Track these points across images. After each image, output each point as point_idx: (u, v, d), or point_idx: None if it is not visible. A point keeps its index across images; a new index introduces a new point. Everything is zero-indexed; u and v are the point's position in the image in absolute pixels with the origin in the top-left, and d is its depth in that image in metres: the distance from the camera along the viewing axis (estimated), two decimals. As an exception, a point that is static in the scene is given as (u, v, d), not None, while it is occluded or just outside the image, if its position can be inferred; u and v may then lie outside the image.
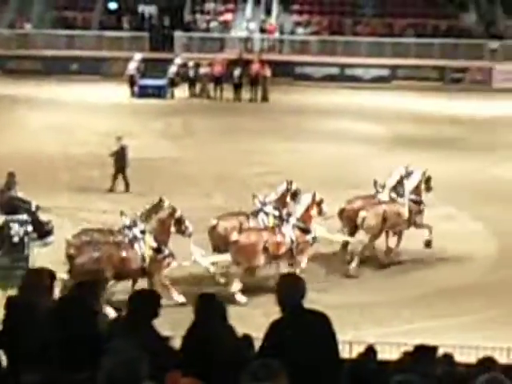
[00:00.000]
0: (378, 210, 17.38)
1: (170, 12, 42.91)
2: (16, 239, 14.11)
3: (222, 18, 42.82)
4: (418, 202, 18.15)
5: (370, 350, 9.16)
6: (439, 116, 32.46)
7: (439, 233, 18.12)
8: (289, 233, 15.83)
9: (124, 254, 14.65)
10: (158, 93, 35.65)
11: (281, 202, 16.84)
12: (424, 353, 7.28)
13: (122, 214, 15.33)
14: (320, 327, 6.68)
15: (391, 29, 41.97)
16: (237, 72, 35.63)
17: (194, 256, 15.48)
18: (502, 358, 10.39)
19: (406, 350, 8.32)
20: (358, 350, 9.77)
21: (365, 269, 16.89)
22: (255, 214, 16.76)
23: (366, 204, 17.53)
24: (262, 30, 41.95)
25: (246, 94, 35.82)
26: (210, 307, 6.99)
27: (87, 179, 22.34)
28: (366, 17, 43.10)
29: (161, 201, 15.34)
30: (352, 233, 17.41)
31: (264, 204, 16.79)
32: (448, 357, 8.19)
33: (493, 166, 24.80)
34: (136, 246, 14.81)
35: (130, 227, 15.01)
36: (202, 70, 36.08)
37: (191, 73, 36.31)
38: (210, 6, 43.65)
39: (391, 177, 18.18)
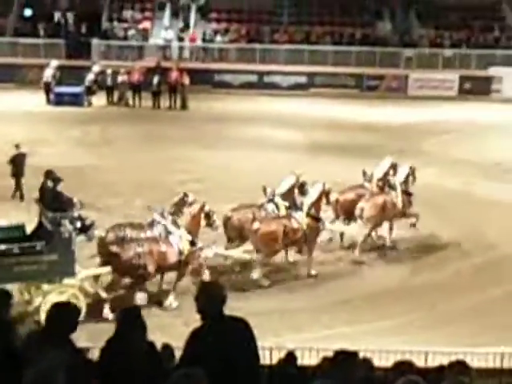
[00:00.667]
0: (377, 201, 18.38)
1: (87, 19, 42.42)
2: (66, 235, 14.57)
3: (140, 26, 42.56)
4: (409, 194, 19.15)
5: (290, 356, 9.21)
6: (356, 123, 32.88)
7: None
8: (302, 220, 16.82)
9: (164, 248, 15.30)
10: (75, 100, 35.15)
11: (289, 194, 17.61)
12: (344, 358, 7.32)
13: (149, 208, 16.18)
14: (240, 334, 6.72)
15: (309, 37, 42.35)
16: (155, 80, 35.46)
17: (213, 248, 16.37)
18: (420, 362, 10.56)
19: (326, 356, 8.36)
20: (278, 356, 9.81)
21: (285, 275, 16.97)
22: (265, 205, 17.60)
23: (357, 194, 18.48)
24: (181, 39, 41.87)
25: (164, 101, 35.66)
26: (130, 320, 6.92)
27: (2, 188, 21.87)
28: (284, 25, 43.42)
29: (185, 195, 16.10)
30: (347, 223, 18.40)
31: (273, 196, 17.58)
32: (367, 361, 8.26)
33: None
34: (172, 239, 15.45)
35: (158, 221, 15.70)
36: (120, 78, 35.81)
37: (109, 80, 35.99)
38: (127, 13, 43.36)
39: (379, 168, 19.20)
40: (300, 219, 16.87)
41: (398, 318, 14.86)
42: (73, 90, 35.56)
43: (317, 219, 17.07)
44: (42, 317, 12.19)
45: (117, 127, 30.83)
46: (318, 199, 17.17)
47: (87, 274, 15.07)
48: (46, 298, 14.02)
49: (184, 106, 35.60)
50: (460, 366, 7.30)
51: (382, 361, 10.25)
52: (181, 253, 15.39)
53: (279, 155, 26.50)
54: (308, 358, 10.56)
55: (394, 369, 7.64)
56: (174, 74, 35.97)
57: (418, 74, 40.74)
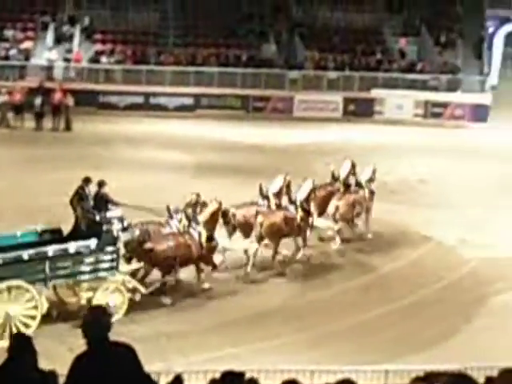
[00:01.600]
0: (348, 199, 20.80)
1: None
2: (115, 234, 15.79)
3: (22, 46, 41.69)
4: (373, 192, 21.60)
5: (178, 380, 9.07)
6: (243, 144, 33.06)
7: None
8: (298, 213, 18.94)
9: (189, 242, 16.77)
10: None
11: (279, 193, 19.41)
12: (231, 379, 7.26)
13: (168, 209, 17.34)
14: (126, 359, 6.61)
15: (194, 58, 42.40)
16: (38, 101, 34.77)
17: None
18: (307, 381, 10.61)
19: (214, 378, 8.28)
20: (165, 380, 9.66)
21: (173, 295, 16.77)
22: (259, 201, 19.30)
23: (328, 192, 20.49)
24: (66, 59, 41.24)
25: (47, 123, 34.99)
26: (20, 346, 6.71)
27: None
28: (170, 46, 43.37)
29: (198, 196, 17.56)
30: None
31: (267, 195, 19.33)
32: (253, 381, 8.21)
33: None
34: (193, 234, 16.94)
35: (177, 218, 17.25)
36: (1, 99, 34.96)
37: (-11, 101, 35.12)
38: (8, 33, 42.35)
39: (342, 169, 21.37)
40: (295, 212, 18.87)
41: (285, 337, 14.95)
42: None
43: (308, 212, 19.20)
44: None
45: (-2, 150, 30.03)
46: (308, 195, 19.28)
47: (127, 270, 16.15)
48: (95, 295, 15.18)
49: (68, 128, 35.00)
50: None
51: (269, 380, 10.24)
52: (202, 247, 16.89)
53: (165, 176, 26.39)
54: (195, 381, 10.45)
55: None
56: (57, 95, 35.36)
57: (303, 95, 41.32)
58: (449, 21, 47.14)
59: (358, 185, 21.34)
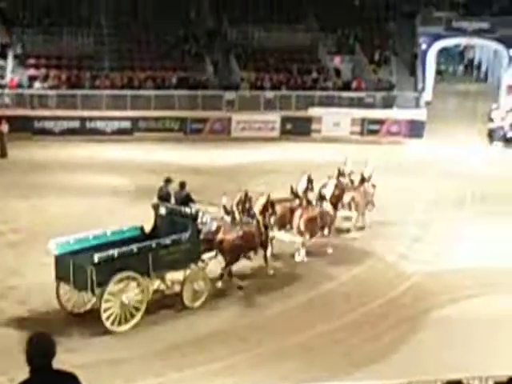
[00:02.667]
0: (360, 191, 23.89)
1: None
2: (200, 227, 17.94)
3: (-49, 73, 41.04)
4: (374, 186, 24.63)
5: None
6: (182, 166, 32.86)
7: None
8: (328, 207, 21.82)
9: (252, 231, 19.06)
10: None
11: (305, 190, 22.04)
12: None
13: (224, 207, 19.41)
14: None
15: (131, 81, 42.21)
16: (-30, 128, 34.22)
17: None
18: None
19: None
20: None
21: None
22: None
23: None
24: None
25: (-18, 150, 34.41)
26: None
27: None
28: (105, 70, 43.07)
29: (246, 193, 19.87)
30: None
31: (296, 193, 21.93)
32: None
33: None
34: (254, 224, 19.25)
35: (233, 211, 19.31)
36: None
37: None
38: None
39: (346, 166, 24.63)
40: (326, 207, 21.63)
41: (228, 360, 14.80)
42: None
43: (335, 207, 22.24)
44: (186, 300, 17.26)
45: None
46: (333, 193, 22.36)
47: (207, 259, 18.39)
48: (185, 284, 17.30)
49: (3, 155, 34.45)
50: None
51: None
52: (261, 235, 19.28)
53: (103, 201, 26.17)
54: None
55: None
56: (-9, 122, 34.84)
57: (240, 116, 41.38)
58: (382, 39, 47.82)
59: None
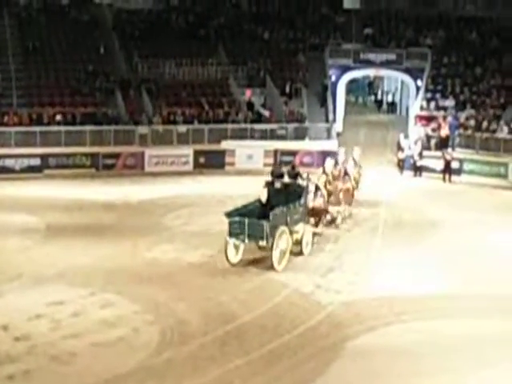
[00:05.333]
0: (347, 182, 29.33)
1: None
2: (308, 196, 25.39)
3: None
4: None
5: None
6: (94, 202, 32.46)
7: (97, 320, 17.94)
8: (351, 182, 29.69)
9: (321, 200, 26.12)
10: None
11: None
12: None
13: (307, 176, 26.40)
14: None
15: (40, 118, 41.52)
16: None
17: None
18: None
19: None
20: None
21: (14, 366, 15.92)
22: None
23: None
24: None
25: None
26: None
27: None
28: (13, 107, 42.32)
29: (308, 175, 26.39)
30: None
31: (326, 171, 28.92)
32: None
33: (146, 249, 25.04)
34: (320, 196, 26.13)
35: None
36: None
37: None
38: None
39: (339, 156, 31.55)
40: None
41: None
42: None
43: (357, 183, 30.71)
44: (305, 249, 24.21)
45: None
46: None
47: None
48: (303, 235, 24.11)
49: None
50: None
51: None
52: (325, 203, 26.42)
53: (14, 240, 25.50)
54: None
55: None
56: None
57: (153, 150, 41.13)
58: (292, 71, 48.28)
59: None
